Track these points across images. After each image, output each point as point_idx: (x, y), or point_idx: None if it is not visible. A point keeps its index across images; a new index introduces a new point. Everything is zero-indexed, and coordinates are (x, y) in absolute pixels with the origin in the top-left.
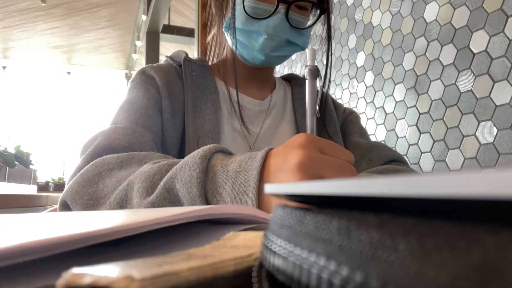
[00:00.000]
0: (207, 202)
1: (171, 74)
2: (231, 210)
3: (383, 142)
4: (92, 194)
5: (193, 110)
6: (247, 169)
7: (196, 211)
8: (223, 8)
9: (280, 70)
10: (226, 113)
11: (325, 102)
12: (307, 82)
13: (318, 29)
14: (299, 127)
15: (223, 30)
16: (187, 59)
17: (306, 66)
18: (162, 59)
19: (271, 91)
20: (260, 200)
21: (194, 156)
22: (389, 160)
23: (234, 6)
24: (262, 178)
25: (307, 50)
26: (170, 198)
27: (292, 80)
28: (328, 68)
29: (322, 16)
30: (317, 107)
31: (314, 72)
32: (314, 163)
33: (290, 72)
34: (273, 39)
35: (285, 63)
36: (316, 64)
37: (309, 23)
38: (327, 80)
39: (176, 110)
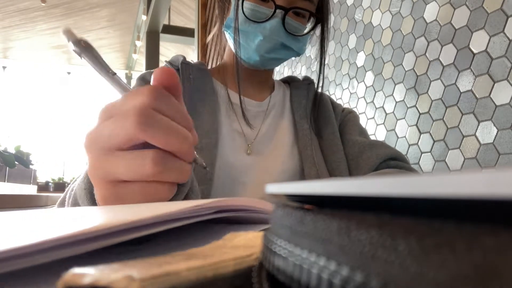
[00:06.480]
0: None
1: None
2: (245, 203)
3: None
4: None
5: (191, 111)
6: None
7: (208, 203)
8: (225, 9)
9: (280, 70)
10: (225, 114)
11: (319, 105)
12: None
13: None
14: (297, 128)
15: (223, 29)
16: (184, 62)
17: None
18: (162, 59)
19: (270, 92)
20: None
21: None
22: (388, 158)
23: (237, 8)
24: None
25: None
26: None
27: (292, 83)
28: (321, 75)
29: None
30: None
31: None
32: (93, 144)
33: (290, 73)
34: (268, 41)
35: (286, 63)
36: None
37: (305, 31)
38: (319, 88)
39: None
